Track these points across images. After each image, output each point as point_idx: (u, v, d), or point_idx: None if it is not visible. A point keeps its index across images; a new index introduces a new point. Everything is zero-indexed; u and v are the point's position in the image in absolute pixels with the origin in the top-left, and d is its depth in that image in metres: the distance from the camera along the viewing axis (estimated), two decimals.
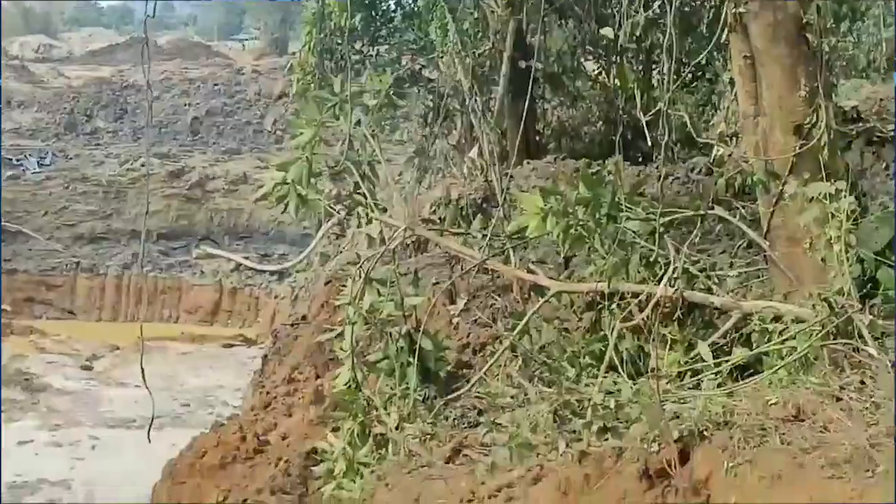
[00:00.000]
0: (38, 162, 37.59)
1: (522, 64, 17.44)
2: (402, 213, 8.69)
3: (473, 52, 17.92)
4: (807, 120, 7.10)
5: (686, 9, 14.76)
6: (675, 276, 7.18)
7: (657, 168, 10.89)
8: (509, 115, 17.75)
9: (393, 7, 20.90)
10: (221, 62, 52.48)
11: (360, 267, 7.81)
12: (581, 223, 7.53)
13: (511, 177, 16.66)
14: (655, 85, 15.56)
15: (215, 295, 34.52)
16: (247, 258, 35.15)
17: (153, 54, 59.26)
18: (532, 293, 8.32)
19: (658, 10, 12.69)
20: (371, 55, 20.66)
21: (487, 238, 8.60)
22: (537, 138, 18.96)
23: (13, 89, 41.46)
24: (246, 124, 40.93)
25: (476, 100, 17.80)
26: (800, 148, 7.15)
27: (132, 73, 44.50)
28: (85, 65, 52.23)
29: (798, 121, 7.18)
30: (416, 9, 19.94)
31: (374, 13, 20.54)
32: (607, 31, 12.80)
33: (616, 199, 7.55)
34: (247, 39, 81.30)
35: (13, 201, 34.77)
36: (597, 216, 7.53)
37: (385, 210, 8.43)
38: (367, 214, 7.96)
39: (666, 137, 6.77)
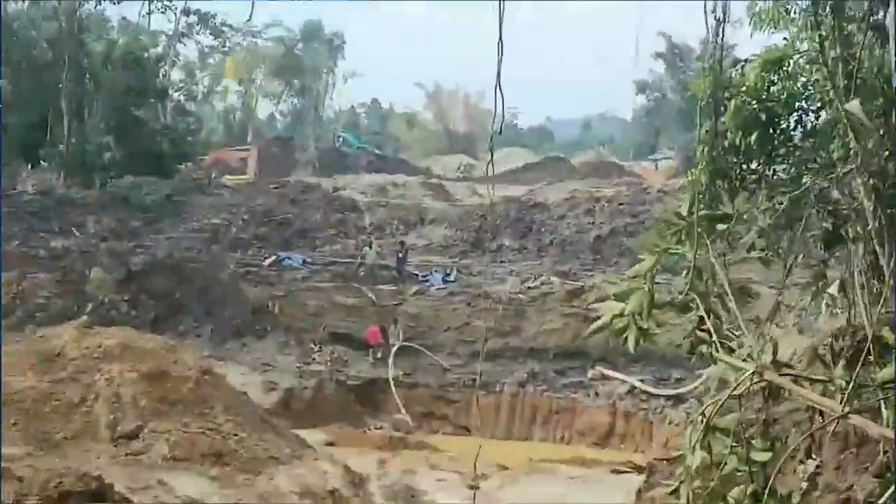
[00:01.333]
0: (442, 278, 39.18)
1: None
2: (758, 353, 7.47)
3: (878, 172, 16.17)
4: None
5: None
6: None
7: None
8: None
9: (793, 125, 19.46)
10: (631, 181, 52.63)
11: (702, 412, 6.77)
12: None
13: None
14: None
15: (609, 418, 33.68)
16: (642, 381, 34.13)
17: (567, 174, 61.25)
18: None
19: None
20: (767, 175, 19.31)
21: (851, 387, 7.11)
22: None
23: (428, 206, 43.74)
24: None
25: (880, 224, 16.04)
26: None
27: (541, 192, 45.61)
28: (499, 183, 54.44)
29: None
30: (816, 126, 18.38)
31: (772, 130, 19.22)
32: None
33: None
34: (661, 159, 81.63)
35: (417, 316, 36.27)
36: None
37: (734, 350, 7.31)
38: (710, 354, 6.92)
39: None
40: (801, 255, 20.83)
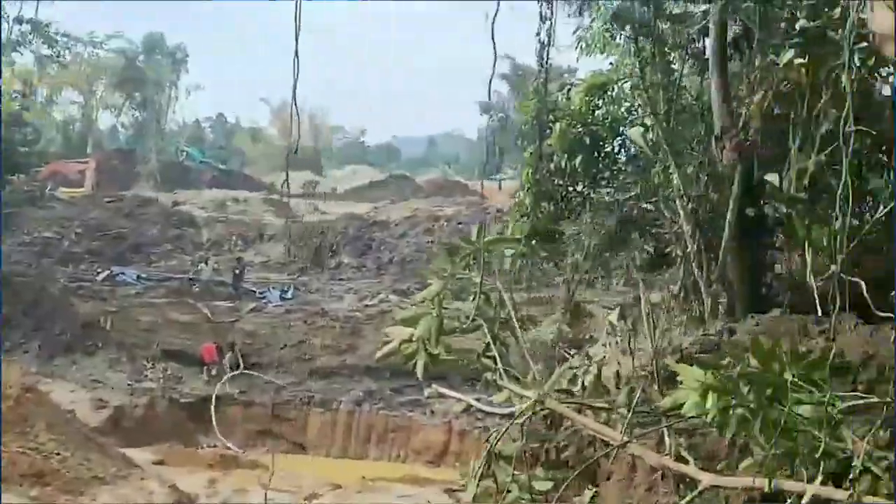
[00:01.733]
0: (280, 295, 38.83)
1: (751, 211, 16.18)
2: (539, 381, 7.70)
3: (697, 197, 16.84)
4: None
5: None
6: (853, 475, 5.86)
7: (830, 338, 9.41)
8: (735, 265, 16.49)
9: (617, 148, 20.13)
10: (472, 201, 53.26)
11: (488, 440, 6.90)
12: (745, 404, 6.36)
13: (733, 332, 15.25)
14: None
15: (444, 436, 33.83)
16: (478, 399, 34.39)
17: (412, 193, 61.36)
18: (682, 485, 7.05)
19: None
20: (592, 197, 19.91)
21: (630, 414, 7.33)
22: (765, 290, 17.39)
23: (269, 223, 43.32)
24: None
25: (699, 247, 16.75)
26: None
27: (384, 210, 45.72)
28: (342, 201, 54.33)
29: None
30: (640, 152, 19.08)
31: (597, 153, 19.83)
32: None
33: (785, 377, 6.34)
34: (504, 179, 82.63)
35: (254, 333, 35.86)
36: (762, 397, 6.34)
37: (519, 378, 7.47)
38: (494, 382, 7.07)
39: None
40: (624, 277, 21.59)
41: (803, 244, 13.33)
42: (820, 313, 10.70)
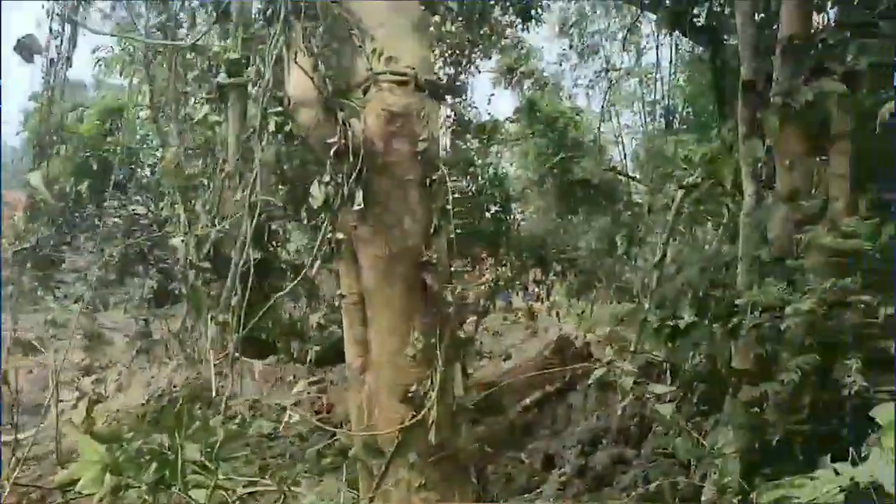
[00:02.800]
0: None
1: (258, 254, 15.78)
2: None
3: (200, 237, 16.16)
4: (416, 386, 5.52)
5: None
6: None
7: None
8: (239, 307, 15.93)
9: (128, 177, 18.95)
10: None
11: None
12: (138, 485, 5.70)
13: (226, 375, 14.64)
14: None
15: None
16: None
17: None
18: None
19: None
20: (98, 225, 18.59)
21: None
22: (265, 336, 17.05)
23: None
24: None
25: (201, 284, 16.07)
26: (409, 420, 5.55)
27: None
28: None
29: (408, 384, 5.60)
30: (149, 181, 18.12)
31: (106, 180, 18.53)
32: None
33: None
34: None
35: None
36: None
37: None
38: None
39: None
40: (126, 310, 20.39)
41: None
42: None
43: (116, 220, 18.73)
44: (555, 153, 29.65)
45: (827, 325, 6.77)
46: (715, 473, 6.91)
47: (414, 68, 5.81)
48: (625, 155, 33.46)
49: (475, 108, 21.54)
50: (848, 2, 7.85)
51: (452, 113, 20.85)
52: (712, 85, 13.92)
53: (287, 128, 5.49)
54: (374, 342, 5.72)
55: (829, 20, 8.53)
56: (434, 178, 5.74)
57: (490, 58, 29.17)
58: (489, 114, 27.83)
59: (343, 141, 5.39)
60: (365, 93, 5.83)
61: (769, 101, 7.56)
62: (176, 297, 18.00)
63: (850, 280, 6.76)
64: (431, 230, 5.71)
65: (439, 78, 9.93)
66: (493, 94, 51.07)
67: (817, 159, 8.23)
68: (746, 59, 7.99)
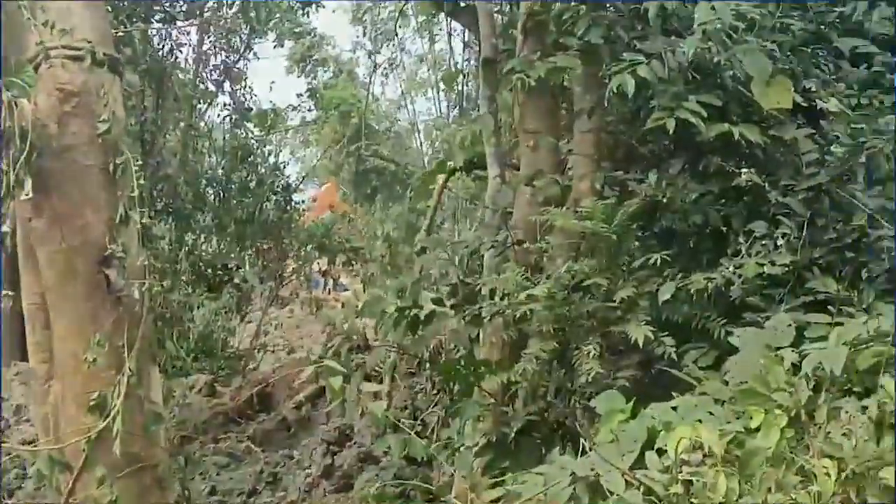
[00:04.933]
0: None
1: None
2: None
3: None
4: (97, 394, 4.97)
5: None
6: None
7: None
8: None
9: None
10: None
11: None
12: None
13: None
14: None
15: None
16: None
17: None
18: None
19: None
20: None
21: None
22: None
23: None
24: None
25: None
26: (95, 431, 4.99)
27: None
28: None
29: (95, 391, 5.04)
30: None
31: None
32: None
33: None
34: None
35: None
36: None
37: None
38: None
39: None
40: None
41: None
42: None
43: None
44: (351, 141, 29.26)
45: (565, 310, 6.57)
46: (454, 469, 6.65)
47: (91, 42, 5.26)
48: (421, 142, 33.44)
49: (255, 95, 20.87)
50: None
51: (232, 102, 20.17)
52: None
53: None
54: (57, 347, 5.15)
55: None
56: (118, 162, 5.21)
57: (283, 45, 28.55)
58: (271, 101, 27.22)
59: (9, 123, 4.82)
60: (36, 70, 5.25)
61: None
62: None
63: (585, 263, 6.58)
64: (117, 220, 5.18)
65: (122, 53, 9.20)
66: (273, 82, 50.19)
67: (565, 140, 8.08)
68: (485, 38, 7.77)
